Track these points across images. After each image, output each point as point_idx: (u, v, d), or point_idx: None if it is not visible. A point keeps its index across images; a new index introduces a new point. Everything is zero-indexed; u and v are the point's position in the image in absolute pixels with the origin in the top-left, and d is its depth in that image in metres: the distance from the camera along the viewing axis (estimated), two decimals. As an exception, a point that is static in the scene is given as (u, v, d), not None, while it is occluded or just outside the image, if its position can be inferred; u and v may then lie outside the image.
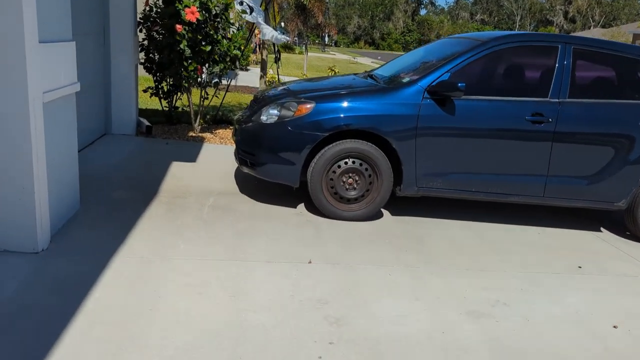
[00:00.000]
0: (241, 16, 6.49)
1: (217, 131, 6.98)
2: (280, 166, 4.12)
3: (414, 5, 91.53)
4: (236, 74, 6.98)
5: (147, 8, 6.23)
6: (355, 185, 4.18)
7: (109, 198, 4.09)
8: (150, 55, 6.47)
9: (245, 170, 4.36)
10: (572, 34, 63.60)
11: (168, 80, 6.69)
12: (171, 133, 6.62)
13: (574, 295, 3.35)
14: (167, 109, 7.08)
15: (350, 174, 4.15)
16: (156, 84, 6.79)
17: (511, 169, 4.23)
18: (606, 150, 4.25)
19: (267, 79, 6.84)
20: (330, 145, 4.07)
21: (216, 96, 7.19)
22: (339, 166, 4.13)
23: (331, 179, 4.14)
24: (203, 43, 6.06)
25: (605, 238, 4.51)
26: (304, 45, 19.80)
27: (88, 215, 3.69)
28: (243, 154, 4.33)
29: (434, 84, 4.10)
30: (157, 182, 4.63)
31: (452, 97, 4.07)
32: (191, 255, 3.27)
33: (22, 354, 2.20)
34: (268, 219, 4.05)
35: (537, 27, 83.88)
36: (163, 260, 3.16)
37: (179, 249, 3.35)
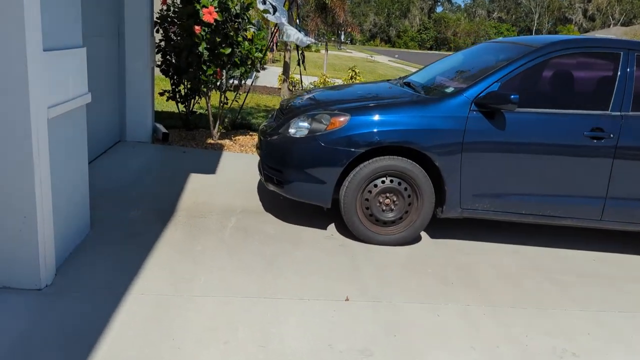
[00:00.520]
0: (262, 15, 6.10)
1: (237, 137, 6.61)
2: (310, 185, 3.73)
3: (430, 2, 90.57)
4: (257, 77, 6.59)
5: (165, 7, 5.88)
6: (392, 207, 3.77)
7: (123, 218, 3.73)
8: (168, 57, 6.12)
9: (271, 187, 3.97)
10: (592, 32, 62.28)
11: (185, 83, 6.34)
12: (188, 140, 6.27)
13: (651, 343, 2.91)
14: (184, 112, 6.72)
15: (388, 194, 3.75)
16: (173, 87, 6.44)
17: (566, 189, 3.79)
18: (674, 169, 3.79)
19: (288, 82, 6.49)
20: (366, 163, 3.66)
21: (236, 100, 6.82)
22: (376, 185, 3.72)
23: (366, 200, 3.73)
24: (222, 45, 5.69)
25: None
26: (323, 44, 19.41)
27: (99, 241, 3.33)
28: (269, 170, 3.94)
29: (482, 95, 3.68)
30: (175, 198, 4.26)
31: (503, 110, 3.64)
32: (214, 291, 2.89)
33: None
34: (297, 244, 3.66)
35: (555, 25, 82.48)
36: (182, 298, 2.78)
37: (200, 282, 2.97)
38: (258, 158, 4.28)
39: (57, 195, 2.80)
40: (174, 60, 6.03)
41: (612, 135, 3.72)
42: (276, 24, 6.41)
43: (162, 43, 6.05)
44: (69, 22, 2.91)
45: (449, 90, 3.96)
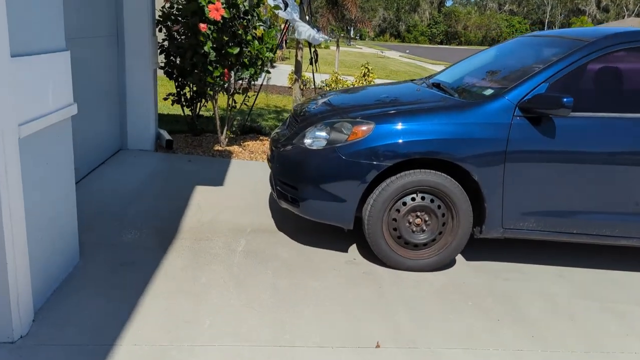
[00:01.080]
0: (273, 12, 5.64)
1: (246, 143, 6.16)
2: (330, 203, 3.26)
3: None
4: (268, 78, 6.14)
5: (167, 5, 5.43)
6: (424, 227, 3.29)
7: (118, 243, 3.30)
8: (171, 58, 5.68)
9: (284, 205, 3.51)
10: (605, 24, 60.95)
11: (191, 86, 5.90)
12: (194, 146, 5.83)
13: None
14: (190, 116, 6.28)
15: (419, 213, 3.27)
16: (178, 90, 6.01)
17: (627, 205, 3.29)
18: None
19: (300, 82, 6.05)
20: (394, 177, 3.19)
21: (245, 104, 6.37)
22: (404, 203, 3.25)
23: (394, 219, 3.26)
24: (230, 44, 5.23)
25: None
26: (335, 40, 18.88)
27: (88, 273, 2.89)
28: (282, 186, 3.48)
29: (527, 97, 3.19)
30: (178, 216, 3.82)
31: (553, 116, 3.15)
32: (219, 338, 2.44)
33: None
34: (315, 272, 3.19)
35: (568, 17, 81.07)
36: (181, 349, 2.34)
37: (204, 326, 2.52)
38: (269, 166, 3.83)
39: (34, 226, 2.37)
40: (178, 62, 5.59)
41: (682, 143, 3.21)
42: (286, 20, 5.96)
43: (165, 43, 5.61)
44: (46, 20, 2.47)
45: (487, 92, 3.47)
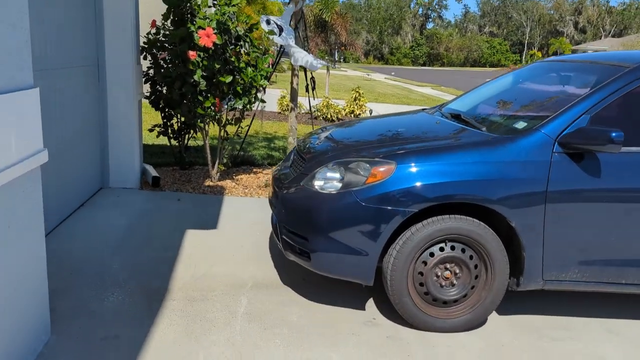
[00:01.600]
0: (268, 38, 5.27)
1: (239, 177, 5.71)
2: (347, 257, 2.81)
3: (421, 19, 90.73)
4: (263, 107, 5.73)
5: (153, 30, 5.01)
6: (454, 281, 2.86)
7: (98, 310, 2.80)
8: (157, 87, 5.24)
9: (292, 258, 3.05)
10: (584, 44, 62.05)
11: (179, 116, 5.45)
12: (183, 182, 5.36)
13: None
14: (177, 147, 5.82)
15: (448, 265, 2.84)
16: (164, 120, 5.56)
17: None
18: None
19: (297, 111, 5.65)
20: (420, 225, 2.76)
21: (237, 134, 5.94)
22: (432, 254, 2.81)
23: (420, 273, 2.82)
24: (222, 73, 4.82)
25: None
26: (332, 65, 18.66)
27: (62, 353, 2.39)
28: (288, 236, 3.02)
29: (567, 131, 2.80)
30: (167, 270, 3.34)
31: (599, 152, 2.76)
32: None
33: None
34: (331, 339, 2.72)
35: (547, 37, 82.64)
36: None
37: None
38: (265, 201, 3.37)
39: (-10, 310, 1.89)
40: (165, 91, 5.15)
41: None
42: (281, 45, 5.58)
43: (151, 71, 5.18)
44: (7, 52, 2.02)
45: (519, 125, 3.08)
